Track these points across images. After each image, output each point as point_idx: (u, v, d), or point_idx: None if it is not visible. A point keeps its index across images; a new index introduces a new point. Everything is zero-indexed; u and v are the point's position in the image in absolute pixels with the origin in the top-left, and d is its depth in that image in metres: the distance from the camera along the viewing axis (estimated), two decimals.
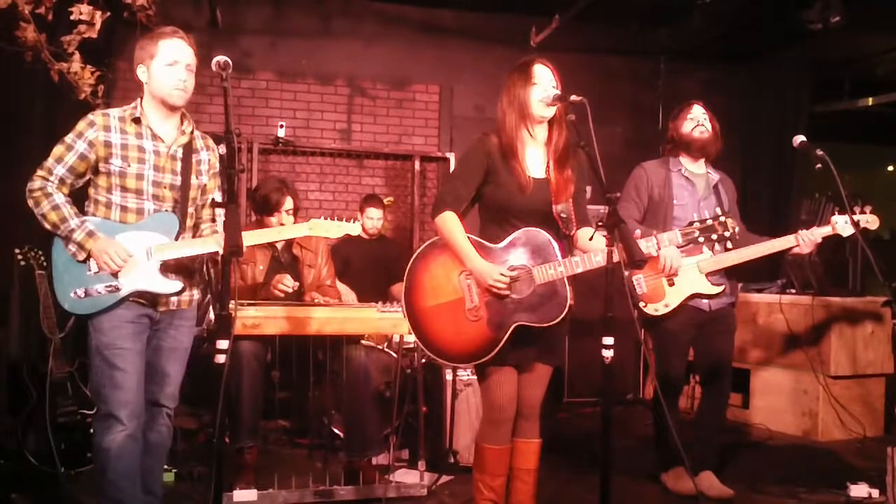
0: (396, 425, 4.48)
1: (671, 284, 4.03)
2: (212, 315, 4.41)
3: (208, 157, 3.25)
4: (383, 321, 3.99)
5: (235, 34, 6.70)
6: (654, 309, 4.07)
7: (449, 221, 3.04)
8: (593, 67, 7.26)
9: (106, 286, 2.97)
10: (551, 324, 2.96)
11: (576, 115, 2.85)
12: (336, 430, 4.67)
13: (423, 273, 3.10)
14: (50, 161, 3.00)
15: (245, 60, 6.70)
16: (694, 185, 4.16)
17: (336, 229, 3.41)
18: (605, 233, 2.69)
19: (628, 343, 6.62)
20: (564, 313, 2.96)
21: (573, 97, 2.85)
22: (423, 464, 4.18)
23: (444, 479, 4.29)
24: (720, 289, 4.06)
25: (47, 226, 2.99)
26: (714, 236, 2.92)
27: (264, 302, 4.13)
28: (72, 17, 4.63)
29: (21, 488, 3.97)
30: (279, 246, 4.53)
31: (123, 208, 3.04)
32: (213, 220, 3.29)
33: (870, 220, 3.91)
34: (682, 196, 4.12)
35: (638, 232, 2.90)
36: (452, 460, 4.46)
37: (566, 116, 2.99)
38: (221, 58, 2.60)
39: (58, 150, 3.01)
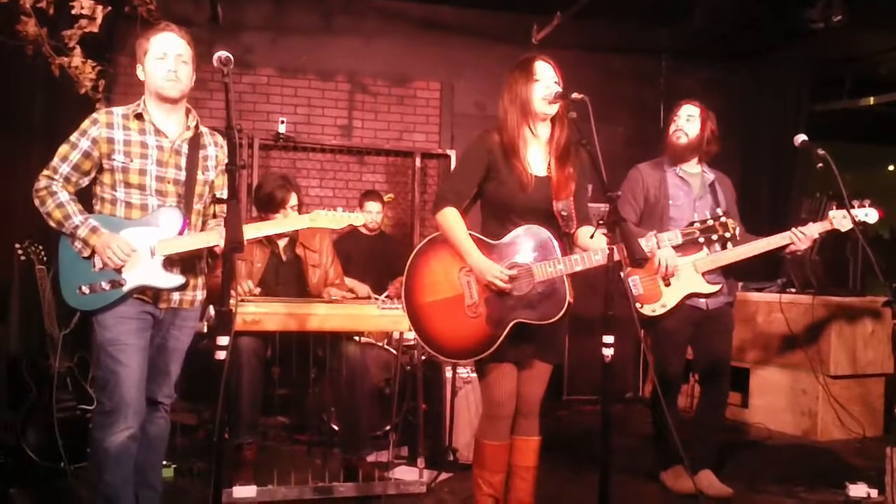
0: (396, 422, 4.48)
1: (667, 285, 4.03)
2: (211, 310, 4.41)
3: (216, 153, 3.25)
4: (383, 318, 3.98)
5: (236, 30, 6.70)
6: (652, 310, 4.06)
7: (449, 217, 3.04)
8: (594, 65, 7.26)
9: (110, 281, 2.98)
10: (550, 321, 2.95)
11: (577, 113, 2.84)
12: (335, 427, 4.67)
13: (423, 269, 3.10)
14: (55, 160, 3.04)
15: (246, 56, 6.70)
16: (689, 185, 4.15)
17: (338, 220, 3.36)
18: (605, 231, 2.69)
19: (628, 341, 6.62)
20: (563, 311, 2.96)
21: (575, 95, 2.85)
22: (423, 461, 4.18)
23: (444, 476, 4.29)
24: (717, 287, 4.05)
25: (52, 224, 3.01)
26: (714, 236, 2.92)
27: (265, 298, 4.14)
28: (73, 12, 4.63)
29: (20, 483, 3.97)
30: (280, 244, 4.52)
31: (128, 204, 3.05)
32: (222, 217, 3.26)
33: (869, 214, 3.89)
34: (678, 196, 4.12)
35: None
36: (452, 457, 4.46)
37: (568, 114, 2.98)
38: (222, 53, 2.57)
39: (63, 149, 3.04)
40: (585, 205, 3.19)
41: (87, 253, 2.99)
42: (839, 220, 3.90)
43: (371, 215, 5.90)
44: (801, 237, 3.91)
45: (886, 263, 3.65)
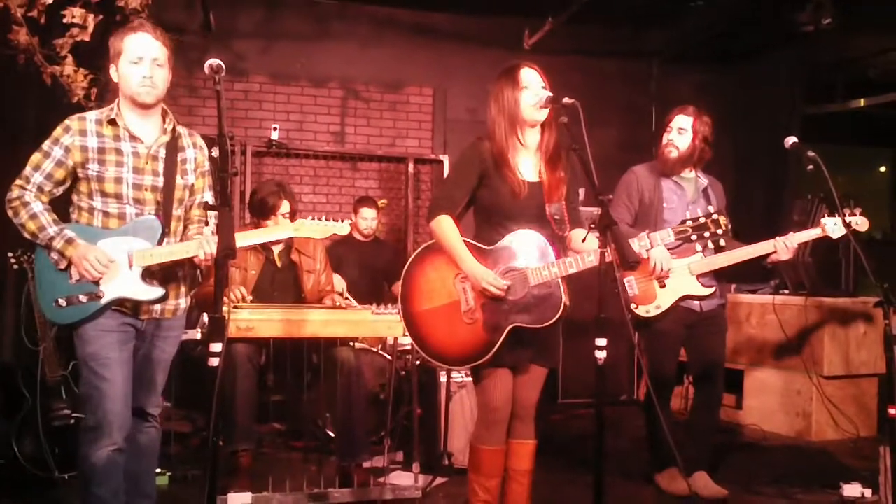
0: (391, 427, 4.48)
1: (662, 286, 4.05)
2: (205, 317, 4.40)
3: (195, 154, 3.15)
4: (378, 323, 3.98)
5: (229, 37, 6.70)
6: (646, 311, 4.08)
7: (444, 225, 3.05)
8: (586, 70, 7.28)
9: (87, 294, 2.90)
10: (547, 324, 2.96)
11: (568, 118, 2.85)
12: (330, 433, 4.67)
13: (419, 276, 3.11)
14: (27, 169, 2.95)
15: (238, 63, 6.70)
16: (683, 189, 4.17)
17: (322, 229, 3.32)
18: (597, 234, 2.70)
19: (622, 344, 6.63)
20: (560, 314, 2.97)
21: (565, 99, 2.85)
22: (418, 466, 4.18)
23: (439, 480, 4.29)
24: (711, 290, 4.08)
25: (27, 235, 2.93)
26: (707, 234, 2.93)
27: (259, 305, 4.13)
28: (64, 21, 4.63)
29: (14, 493, 3.96)
30: (276, 251, 4.53)
31: (105, 213, 2.97)
32: (203, 223, 3.18)
33: (860, 223, 3.92)
34: (672, 199, 4.14)
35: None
36: (447, 462, 4.46)
37: (559, 119, 2.99)
38: (214, 61, 2.56)
39: (35, 157, 2.95)
40: (577, 208, 3.21)
41: (62, 265, 2.92)
42: (830, 227, 3.94)
43: (366, 221, 5.91)
44: (783, 248, 3.94)
45: (878, 265, 3.65)
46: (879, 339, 5.52)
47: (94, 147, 2.94)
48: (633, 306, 4.10)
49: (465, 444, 4.21)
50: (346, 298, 4.88)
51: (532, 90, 3.03)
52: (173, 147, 3.07)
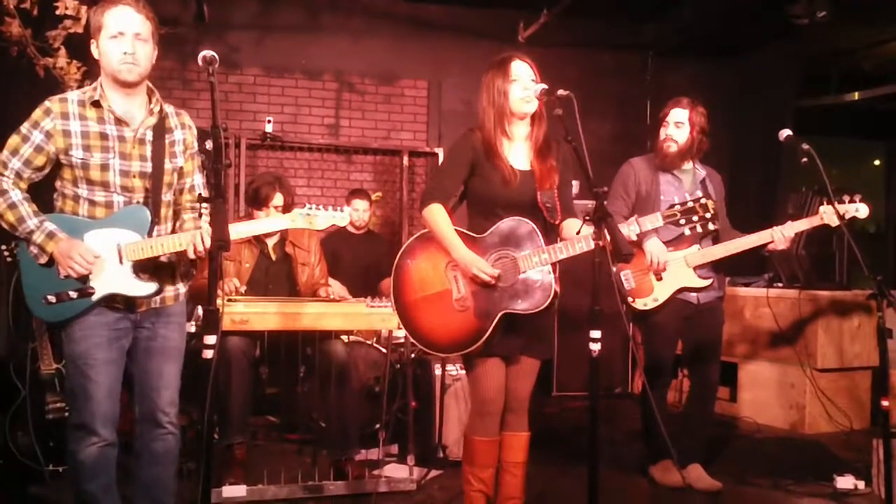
0: (386, 420, 4.48)
1: (659, 279, 4.05)
2: (199, 310, 4.39)
3: (183, 136, 2.98)
4: (372, 316, 3.98)
5: (222, 29, 6.68)
6: (644, 303, 4.08)
7: (435, 213, 3.05)
8: (581, 62, 7.29)
9: (77, 290, 2.75)
10: (538, 310, 2.97)
11: (563, 110, 2.84)
12: (325, 426, 4.66)
13: (411, 265, 3.11)
14: (4, 153, 2.76)
15: (232, 55, 6.68)
16: (681, 181, 4.17)
17: (321, 219, 3.14)
18: (592, 227, 2.70)
19: (616, 337, 6.63)
20: (550, 299, 2.97)
21: (560, 91, 2.84)
22: (413, 458, 4.19)
23: (434, 473, 4.29)
24: (708, 282, 4.08)
25: (4, 226, 2.76)
26: (695, 217, 2.95)
27: (253, 298, 4.13)
28: (57, 12, 4.61)
29: (8, 486, 3.95)
30: (270, 243, 4.52)
31: (91, 202, 2.80)
32: (196, 211, 3.00)
33: (860, 209, 3.89)
34: (669, 192, 4.13)
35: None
36: (442, 454, 4.46)
37: (552, 111, 2.98)
38: (208, 53, 2.49)
39: (13, 140, 2.76)
40: (570, 198, 3.22)
41: (43, 260, 2.76)
42: (829, 215, 3.88)
43: (358, 213, 5.90)
44: (780, 237, 3.94)
45: (872, 257, 3.66)
46: (873, 332, 5.60)
47: (78, 131, 2.77)
48: (630, 299, 4.10)
49: (459, 436, 4.22)
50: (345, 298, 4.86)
51: (521, 83, 3.04)
52: (160, 129, 2.90)
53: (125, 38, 2.75)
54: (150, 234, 2.84)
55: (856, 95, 8.01)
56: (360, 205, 5.93)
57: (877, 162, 10.54)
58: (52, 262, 2.77)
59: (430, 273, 3.07)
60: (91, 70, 4.86)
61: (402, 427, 4.61)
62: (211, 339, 2.40)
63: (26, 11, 4.49)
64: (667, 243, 3.98)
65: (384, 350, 4.70)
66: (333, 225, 3.14)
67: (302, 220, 3.05)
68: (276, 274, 4.51)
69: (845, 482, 4.18)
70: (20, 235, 2.79)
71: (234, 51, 6.70)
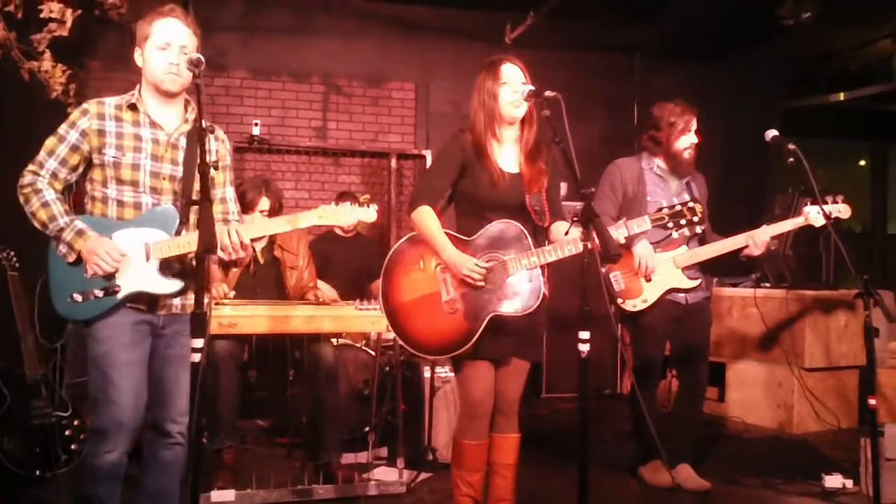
0: (375, 423, 4.47)
1: (648, 280, 4.05)
2: None
3: (216, 147, 3.03)
4: (361, 319, 3.97)
5: (209, 31, 6.58)
6: (633, 305, 4.08)
7: (424, 215, 3.05)
8: (569, 64, 7.28)
9: (103, 289, 2.76)
10: (526, 313, 2.97)
11: (551, 111, 2.85)
12: (314, 428, 4.65)
13: (400, 268, 3.11)
14: (41, 154, 2.82)
15: (219, 58, 6.65)
16: (667, 182, 4.19)
17: (348, 216, 3.02)
18: (580, 228, 2.70)
19: (605, 338, 6.64)
20: (539, 302, 2.97)
21: (547, 93, 2.85)
22: (402, 461, 4.18)
23: (423, 476, 4.29)
24: (696, 282, 4.09)
25: (37, 224, 2.80)
26: (683, 221, 2.96)
27: (241, 301, 4.11)
28: (42, 16, 4.59)
29: None
30: (258, 247, 4.50)
31: (120, 203, 2.83)
32: (228, 224, 2.93)
33: (842, 210, 3.93)
34: (656, 192, 4.14)
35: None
36: (431, 457, 4.45)
37: (541, 113, 2.98)
38: (194, 55, 2.52)
39: (50, 141, 2.82)
40: (558, 201, 3.22)
41: (71, 258, 2.78)
42: (813, 215, 3.93)
43: None
44: (753, 242, 3.95)
45: (858, 257, 3.68)
46: (860, 331, 5.63)
47: (112, 131, 2.83)
48: (619, 301, 4.11)
49: (449, 438, 4.21)
50: (335, 300, 4.85)
51: (511, 86, 3.04)
52: (194, 137, 2.90)
53: (171, 50, 2.81)
54: (177, 234, 2.85)
55: (841, 96, 8.05)
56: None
57: (862, 163, 10.61)
58: (79, 260, 2.79)
59: (420, 275, 3.06)
60: (76, 74, 4.85)
61: (391, 430, 4.60)
62: (199, 343, 2.39)
63: (11, 14, 4.47)
64: (655, 244, 4.00)
65: (373, 353, 4.69)
66: (331, 227, 3.08)
67: (330, 216, 2.99)
68: (263, 277, 4.49)
69: (833, 481, 4.19)
70: (50, 233, 2.81)
71: (220, 53, 6.67)
